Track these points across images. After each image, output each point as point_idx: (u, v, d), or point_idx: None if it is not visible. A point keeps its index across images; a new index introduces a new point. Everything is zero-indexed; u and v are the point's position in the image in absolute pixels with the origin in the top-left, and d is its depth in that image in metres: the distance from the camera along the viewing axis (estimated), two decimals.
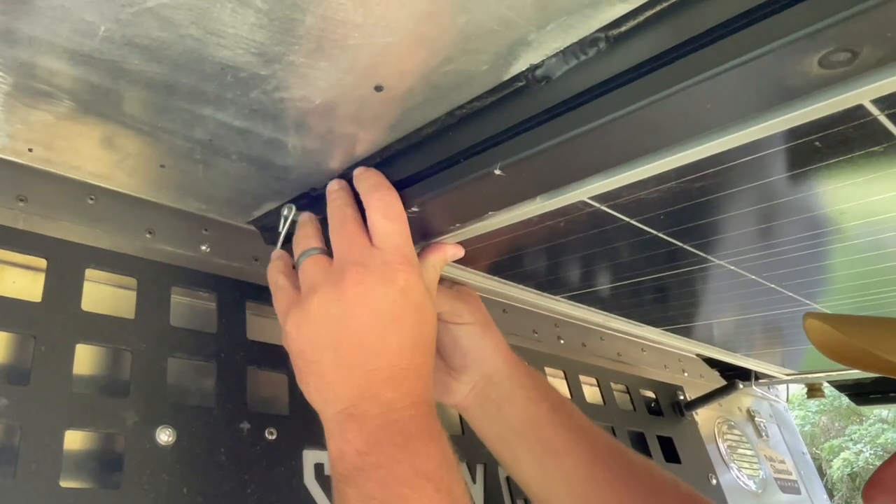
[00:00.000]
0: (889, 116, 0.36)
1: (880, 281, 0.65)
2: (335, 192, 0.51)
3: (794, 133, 0.37)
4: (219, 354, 0.58)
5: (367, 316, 0.45)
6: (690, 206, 0.47)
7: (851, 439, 9.93)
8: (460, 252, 0.55)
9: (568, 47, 0.38)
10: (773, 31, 0.30)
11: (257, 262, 0.69)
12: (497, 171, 0.43)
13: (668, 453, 0.98)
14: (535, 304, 0.87)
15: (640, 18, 0.36)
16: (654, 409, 1.04)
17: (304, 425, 0.60)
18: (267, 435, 0.57)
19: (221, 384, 0.57)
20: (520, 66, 0.41)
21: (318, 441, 0.60)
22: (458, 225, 0.51)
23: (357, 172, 0.50)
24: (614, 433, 0.92)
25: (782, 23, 0.30)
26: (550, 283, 0.72)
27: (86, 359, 0.57)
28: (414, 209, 0.49)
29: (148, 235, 0.62)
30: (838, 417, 10.30)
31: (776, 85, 0.32)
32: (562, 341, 1.00)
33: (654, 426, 0.99)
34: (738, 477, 1.13)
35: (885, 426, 9.89)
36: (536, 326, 0.97)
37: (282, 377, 0.62)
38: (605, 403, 0.95)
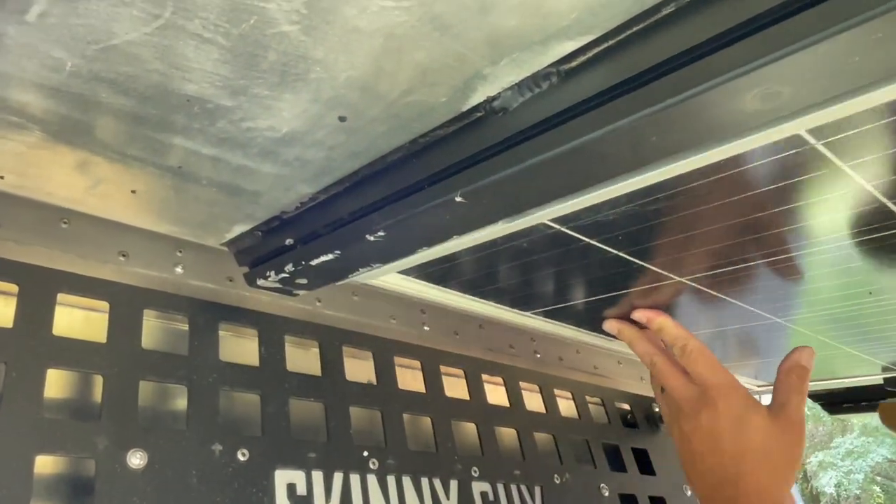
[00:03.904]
0: (825, 145, 0.38)
1: (842, 295, 0.67)
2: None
3: (737, 160, 0.39)
4: (191, 377, 0.59)
5: None
6: (646, 227, 0.48)
7: (839, 454, 9.84)
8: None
9: (522, 81, 0.40)
10: (707, 71, 0.32)
11: (232, 282, 0.69)
12: (458, 198, 0.44)
13: (643, 465, 1.00)
14: (510, 320, 0.89)
15: (589, 54, 0.37)
16: (629, 422, 1.06)
17: (277, 445, 0.60)
18: (239, 456, 0.58)
19: (193, 406, 0.58)
20: (477, 98, 0.42)
21: (290, 461, 0.61)
22: (424, 248, 0.52)
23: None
24: (589, 447, 0.93)
25: (714, 64, 0.32)
26: (522, 300, 0.74)
27: (57, 383, 0.58)
28: (380, 233, 0.50)
29: (122, 258, 0.63)
30: (821, 424, 10.34)
31: (714, 119, 0.34)
32: (538, 355, 1.01)
33: (629, 439, 1.01)
34: None
35: (870, 440, 9.83)
36: (513, 341, 0.98)
37: (254, 397, 0.62)
38: (580, 417, 0.96)
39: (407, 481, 0.68)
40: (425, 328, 0.85)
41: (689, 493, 1.02)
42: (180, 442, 0.55)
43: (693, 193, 0.43)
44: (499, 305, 0.76)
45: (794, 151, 0.39)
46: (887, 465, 9.90)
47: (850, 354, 0.90)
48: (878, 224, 0.47)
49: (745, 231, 0.48)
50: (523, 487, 0.79)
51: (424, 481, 0.70)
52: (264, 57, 0.38)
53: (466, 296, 0.72)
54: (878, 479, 9.99)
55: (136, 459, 0.53)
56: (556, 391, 0.97)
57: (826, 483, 9.55)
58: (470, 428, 0.82)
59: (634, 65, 0.35)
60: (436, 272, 0.64)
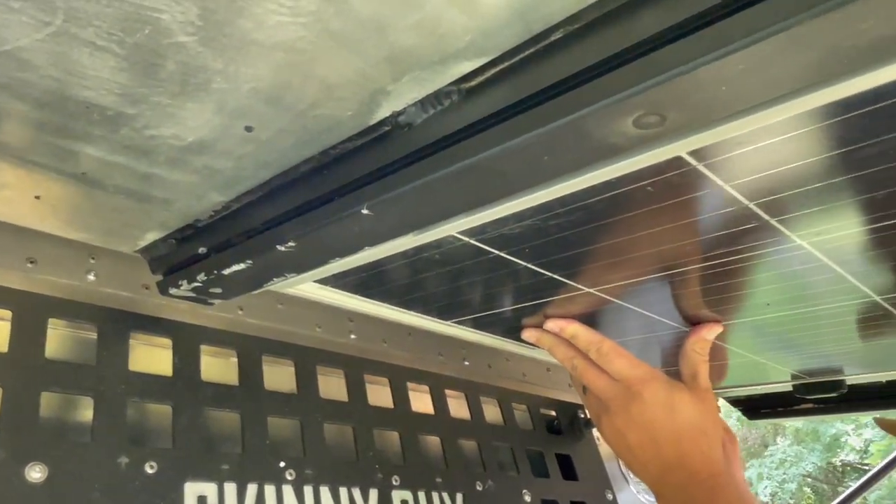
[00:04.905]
0: (706, 166, 0.40)
1: (742, 306, 0.70)
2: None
3: (628, 179, 0.41)
4: (98, 388, 0.57)
5: None
6: (551, 240, 0.50)
7: (774, 463, 10.13)
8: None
9: (425, 97, 0.41)
10: (590, 96, 0.33)
11: (148, 290, 0.68)
12: (365, 211, 0.45)
13: (566, 470, 1.02)
14: (440, 329, 0.90)
15: (487, 75, 0.39)
16: (554, 428, 1.08)
17: (188, 457, 0.59)
18: (147, 469, 0.57)
19: (99, 418, 0.56)
20: (384, 113, 0.43)
21: (202, 473, 0.60)
22: (336, 259, 0.53)
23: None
24: (513, 453, 0.94)
25: (598, 88, 0.33)
26: (445, 310, 0.75)
27: None
28: (291, 244, 0.50)
29: (30, 265, 0.61)
30: (754, 427, 10.68)
31: (600, 142, 0.35)
32: (467, 363, 1.02)
33: (553, 445, 1.03)
34: (637, 492, 1.18)
35: (802, 448, 10.18)
36: (442, 349, 0.99)
37: (166, 408, 0.61)
38: (505, 423, 0.98)
39: (325, 491, 0.68)
40: (352, 336, 0.85)
41: (610, 497, 1.05)
42: (84, 455, 0.54)
43: (591, 209, 0.45)
44: (423, 315, 0.77)
45: (678, 172, 0.41)
46: (817, 470, 10.31)
47: (760, 363, 0.94)
48: (756, 237, 0.49)
49: (643, 245, 0.50)
50: (445, 495, 0.80)
51: (343, 491, 0.70)
52: (162, 66, 0.38)
53: (388, 305, 0.73)
54: (809, 480, 10.40)
55: (36, 473, 0.51)
56: (483, 398, 0.98)
57: (762, 493, 9.86)
58: (393, 436, 0.82)
59: (527, 86, 0.36)
60: (353, 282, 0.64)
